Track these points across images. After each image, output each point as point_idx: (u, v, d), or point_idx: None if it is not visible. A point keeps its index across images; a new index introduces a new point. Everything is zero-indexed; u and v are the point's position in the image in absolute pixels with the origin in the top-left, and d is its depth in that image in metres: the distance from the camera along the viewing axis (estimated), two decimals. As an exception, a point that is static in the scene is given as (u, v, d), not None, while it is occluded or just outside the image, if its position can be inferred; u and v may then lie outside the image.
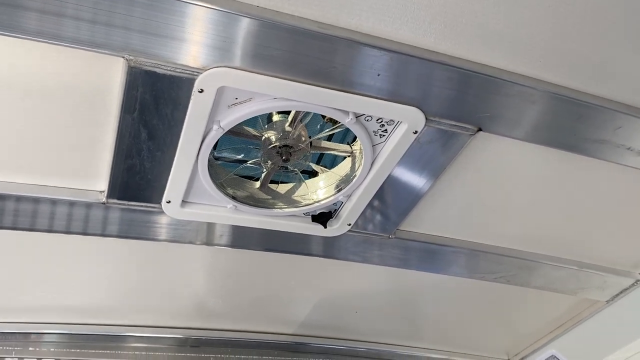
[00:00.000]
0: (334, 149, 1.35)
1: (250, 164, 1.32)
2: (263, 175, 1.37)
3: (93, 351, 1.82)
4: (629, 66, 1.15)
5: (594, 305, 1.95)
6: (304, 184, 1.42)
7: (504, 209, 1.55)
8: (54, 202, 1.30)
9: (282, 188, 1.42)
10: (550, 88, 1.18)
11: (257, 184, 1.39)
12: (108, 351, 1.84)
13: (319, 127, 1.34)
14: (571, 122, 1.26)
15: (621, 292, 1.86)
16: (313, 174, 1.44)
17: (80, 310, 1.79)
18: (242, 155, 1.33)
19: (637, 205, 1.56)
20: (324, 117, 1.29)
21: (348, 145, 1.36)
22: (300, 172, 1.38)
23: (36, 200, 1.30)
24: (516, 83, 1.15)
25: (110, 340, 1.85)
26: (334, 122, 1.28)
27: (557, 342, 2.07)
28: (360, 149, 1.28)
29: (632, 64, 1.15)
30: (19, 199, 1.29)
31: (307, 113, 1.25)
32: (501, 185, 1.47)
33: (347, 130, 1.35)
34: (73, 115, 1.15)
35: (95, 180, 1.30)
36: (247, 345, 1.92)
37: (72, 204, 1.31)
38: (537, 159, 1.38)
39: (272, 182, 1.41)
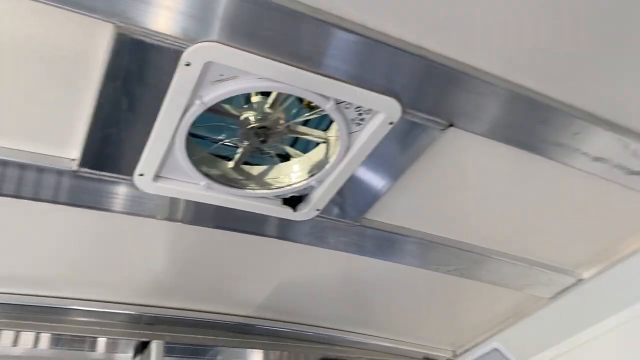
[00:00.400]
0: (310, 134, 1.37)
1: (227, 142, 1.32)
2: (238, 155, 1.37)
3: (34, 323, 1.70)
4: (594, 76, 1.23)
5: (538, 301, 2.05)
6: (276, 167, 1.43)
7: (465, 204, 1.62)
8: (20, 166, 1.26)
9: (255, 170, 1.43)
10: (519, 90, 1.24)
11: (231, 163, 1.40)
12: (50, 324, 1.72)
13: (295, 111, 1.36)
14: (534, 124, 1.33)
15: (564, 290, 1.96)
16: (286, 158, 1.46)
17: (24, 280, 1.69)
18: (220, 134, 1.33)
19: (585, 209, 1.66)
20: (301, 101, 1.32)
21: (323, 132, 1.38)
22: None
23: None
24: (489, 83, 1.21)
25: (53, 313, 1.74)
26: (311, 108, 1.30)
27: (500, 335, 2.16)
28: (336, 136, 1.31)
29: (598, 74, 1.23)
30: None
31: (288, 96, 1.27)
32: (464, 181, 1.53)
33: (322, 117, 1.38)
34: (50, 79, 1.12)
35: (67, 147, 1.27)
36: (203, 325, 1.90)
37: (40, 169, 1.27)
38: (499, 157, 1.45)
39: (246, 163, 1.42)
